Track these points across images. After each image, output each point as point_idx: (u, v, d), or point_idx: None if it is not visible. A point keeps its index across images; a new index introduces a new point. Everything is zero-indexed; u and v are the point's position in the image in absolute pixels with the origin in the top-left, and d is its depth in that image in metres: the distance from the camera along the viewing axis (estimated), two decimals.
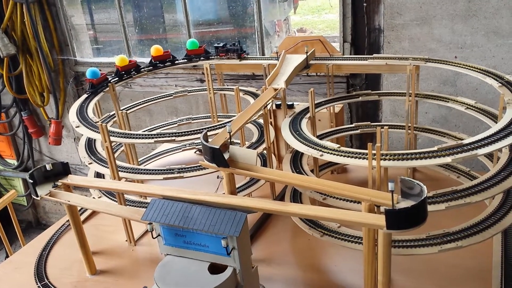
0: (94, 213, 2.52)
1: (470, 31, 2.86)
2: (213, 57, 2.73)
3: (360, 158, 1.66)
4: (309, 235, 1.90)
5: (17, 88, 4.61)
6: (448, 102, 2.27)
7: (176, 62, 2.76)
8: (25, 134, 4.91)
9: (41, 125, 4.87)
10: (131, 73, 2.64)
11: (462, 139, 2.23)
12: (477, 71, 2.09)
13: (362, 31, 3.12)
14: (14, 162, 5.23)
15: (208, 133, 1.90)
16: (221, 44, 2.66)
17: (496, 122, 2.01)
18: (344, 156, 1.69)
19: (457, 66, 2.17)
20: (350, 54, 3.18)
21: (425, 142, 3.00)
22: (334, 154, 1.71)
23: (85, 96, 2.45)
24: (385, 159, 1.61)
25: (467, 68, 2.13)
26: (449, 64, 2.18)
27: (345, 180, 2.58)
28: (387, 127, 1.84)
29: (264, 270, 1.94)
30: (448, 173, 2.32)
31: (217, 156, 1.65)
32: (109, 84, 2.44)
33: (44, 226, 5.45)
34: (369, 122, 2.48)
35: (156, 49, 2.72)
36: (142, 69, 2.68)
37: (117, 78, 2.59)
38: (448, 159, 1.56)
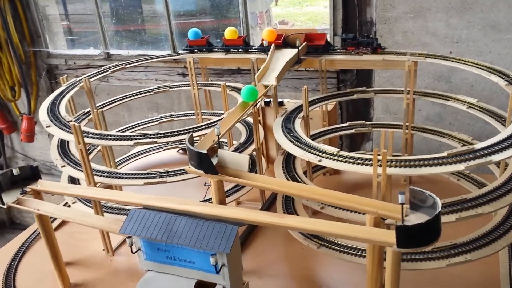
0: None
1: (466, 25, 2.74)
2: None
3: (363, 164, 1.51)
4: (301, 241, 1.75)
5: None
6: (448, 100, 2.14)
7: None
8: None
9: (12, 120, 4.61)
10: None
11: (464, 140, 2.14)
12: (481, 68, 1.96)
13: (353, 24, 2.97)
14: None
15: (194, 135, 1.73)
16: (350, 36, 2.21)
17: (502, 123, 1.89)
18: (345, 161, 1.54)
19: (459, 62, 2.04)
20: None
21: (418, 141, 2.87)
22: (334, 159, 1.56)
23: (57, 91, 2.25)
24: (390, 166, 1.46)
25: (470, 65, 2.00)
26: (450, 60, 2.05)
27: (337, 182, 2.44)
28: (391, 129, 1.69)
29: (255, 284, 1.78)
30: (447, 175, 2.19)
31: (205, 162, 1.48)
32: (84, 79, 2.24)
33: (19, 225, 5.20)
34: (363, 121, 2.33)
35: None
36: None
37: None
38: (460, 167, 1.42)
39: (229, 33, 2.48)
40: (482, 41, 2.75)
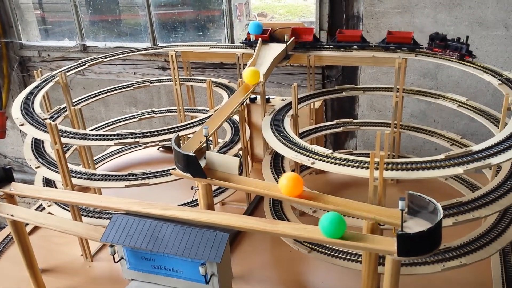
0: None
1: (453, 21, 2.71)
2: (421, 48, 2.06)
3: (358, 167, 1.45)
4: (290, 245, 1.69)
5: None
6: (438, 99, 2.10)
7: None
8: None
9: None
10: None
11: (453, 139, 2.10)
12: (473, 67, 1.92)
13: (339, 18, 2.91)
14: None
15: (180, 134, 1.64)
16: (439, 35, 1.96)
17: (494, 123, 1.86)
18: (339, 164, 1.47)
19: (450, 61, 1.99)
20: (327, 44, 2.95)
21: (402, 138, 2.84)
22: (328, 161, 1.49)
23: (31, 87, 2.12)
24: (387, 169, 1.41)
25: (462, 64, 1.96)
26: (442, 58, 2.00)
27: (325, 181, 2.38)
28: (379, 128, 1.64)
29: None
30: None
31: (192, 165, 1.40)
32: (60, 74, 2.11)
33: None
34: (351, 120, 2.28)
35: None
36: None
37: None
38: (459, 170, 1.37)
39: (249, 76, 1.87)
40: (469, 38, 2.71)
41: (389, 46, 2.10)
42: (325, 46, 2.25)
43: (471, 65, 1.94)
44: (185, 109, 2.50)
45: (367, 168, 1.43)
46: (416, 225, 1.19)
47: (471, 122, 2.82)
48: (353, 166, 1.45)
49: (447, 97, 2.10)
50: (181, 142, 1.53)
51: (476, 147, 1.45)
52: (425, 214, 1.21)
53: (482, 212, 1.45)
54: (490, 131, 1.82)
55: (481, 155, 1.41)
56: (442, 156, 1.43)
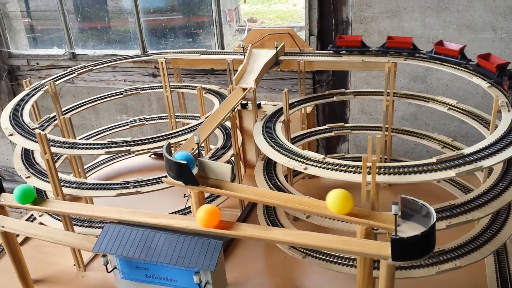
0: None
1: (442, 25, 2.73)
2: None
3: (350, 171, 1.45)
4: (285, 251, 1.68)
5: None
6: (428, 102, 2.11)
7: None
8: None
9: None
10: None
11: (444, 142, 2.11)
12: (463, 70, 1.93)
13: (329, 23, 2.92)
14: None
15: (171, 142, 1.63)
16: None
17: (484, 125, 1.87)
18: (331, 169, 1.47)
19: (440, 64, 2.00)
20: (317, 48, 2.97)
21: (394, 141, 2.85)
22: (320, 167, 1.49)
23: (20, 96, 2.10)
24: (379, 173, 1.41)
25: (452, 67, 1.97)
26: (431, 62, 2.02)
27: (318, 185, 2.38)
28: (379, 135, 1.64)
29: None
30: None
31: (185, 172, 1.39)
32: (49, 83, 2.09)
33: None
34: (342, 124, 2.29)
35: None
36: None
37: None
38: (451, 173, 1.38)
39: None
40: (458, 41, 2.73)
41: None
42: None
43: (461, 68, 1.95)
44: (176, 115, 2.50)
45: (359, 172, 1.43)
46: (409, 229, 1.19)
47: (461, 125, 2.84)
48: (345, 171, 1.45)
49: (437, 100, 2.11)
50: (172, 149, 1.52)
51: (467, 150, 1.46)
52: (418, 217, 1.21)
53: (475, 215, 1.46)
54: (481, 132, 1.83)
55: (472, 158, 1.42)
56: (434, 160, 1.43)
